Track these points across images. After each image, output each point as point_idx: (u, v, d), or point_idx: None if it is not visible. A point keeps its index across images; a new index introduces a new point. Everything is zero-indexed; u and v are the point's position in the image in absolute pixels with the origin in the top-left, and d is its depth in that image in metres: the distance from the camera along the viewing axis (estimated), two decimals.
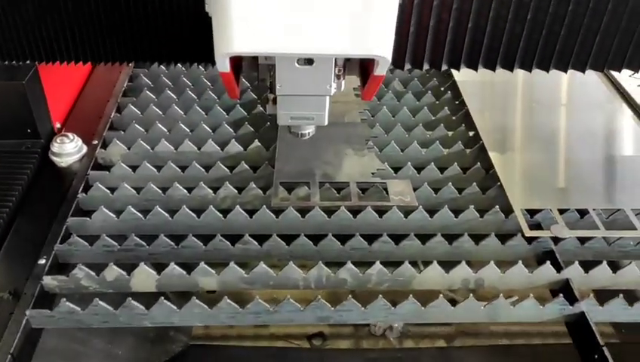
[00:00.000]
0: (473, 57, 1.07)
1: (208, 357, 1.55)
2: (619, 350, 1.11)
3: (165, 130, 1.49)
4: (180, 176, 1.36)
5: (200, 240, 1.20)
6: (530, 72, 1.10)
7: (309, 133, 1.18)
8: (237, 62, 1.02)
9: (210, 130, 1.50)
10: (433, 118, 1.58)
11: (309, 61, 0.97)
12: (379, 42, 0.88)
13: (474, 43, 1.05)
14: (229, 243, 1.20)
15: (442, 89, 1.72)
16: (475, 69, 1.10)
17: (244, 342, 1.66)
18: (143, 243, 1.18)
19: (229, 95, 1.05)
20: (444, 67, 1.11)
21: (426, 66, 1.11)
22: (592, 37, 1.05)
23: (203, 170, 1.37)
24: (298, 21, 0.85)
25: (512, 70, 1.10)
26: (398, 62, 1.08)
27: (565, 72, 1.10)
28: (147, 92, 1.63)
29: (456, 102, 1.66)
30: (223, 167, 1.37)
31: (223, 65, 0.91)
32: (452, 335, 1.88)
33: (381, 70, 0.93)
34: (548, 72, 1.10)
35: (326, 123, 1.09)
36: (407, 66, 1.12)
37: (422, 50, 1.04)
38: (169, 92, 1.63)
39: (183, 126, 1.49)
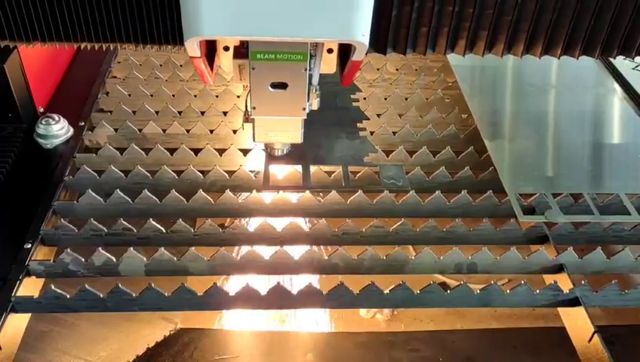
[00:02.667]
0: (458, 42, 1.04)
1: (197, 340, 1.54)
2: (610, 333, 1.11)
3: (153, 111, 1.46)
4: (168, 158, 1.34)
5: (189, 224, 1.18)
6: (521, 57, 1.07)
7: (284, 150, 1.24)
8: (210, 44, 1.00)
9: (200, 112, 1.47)
10: (426, 100, 1.56)
11: (283, 85, 0.99)
12: (356, 27, 0.85)
13: (458, 28, 1.02)
14: (219, 227, 1.17)
15: (435, 70, 1.70)
16: (463, 54, 1.07)
17: (233, 327, 1.65)
18: (132, 227, 1.16)
19: (202, 80, 1.03)
20: (428, 52, 1.08)
21: (409, 52, 1.08)
22: (585, 22, 1.02)
23: (192, 152, 1.34)
24: (272, 4, 0.82)
25: (500, 56, 1.07)
26: (379, 47, 1.05)
27: (558, 57, 1.07)
28: (135, 72, 1.59)
29: (450, 85, 1.63)
30: (212, 149, 1.34)
31: (193, 50, 0.88)
32: (442, 317, 1.88)
33: (359, 55, 0.91)
34: (540, 58, 1.08)
35: (301, 140, 1.14)
36: (390, 51, 1.09)
37: (404, 34, 1.01)
38: (157, 72, 1.60)
39: (171, 107, 1.46)
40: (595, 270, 1.18)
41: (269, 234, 1.19)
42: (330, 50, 1.02)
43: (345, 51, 0.99)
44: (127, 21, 0.96)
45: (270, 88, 1.00)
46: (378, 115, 1.50)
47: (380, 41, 0.97)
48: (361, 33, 0.86)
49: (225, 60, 1.03)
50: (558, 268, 1.17)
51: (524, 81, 1.63)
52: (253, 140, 1.15)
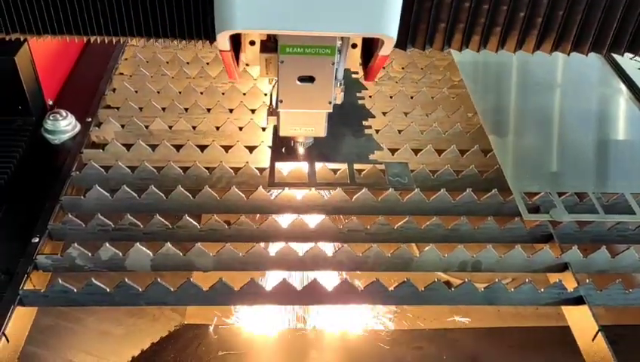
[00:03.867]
0: (472, 38, 1.05)
1: (202, 336, 1.54)
2: (614, 333, 1.11)
3: (160, 108, 1.47)
4: (174, 155, 1.34)
5: (195, 220, 1.19)
6: (532, 53, 1.08)
7: (307, 143, 1.24)
8: (236, 41, 1.00)
9: (206, 109, 1.48)
10: (432, 99, 1.57)
11: (310, 79, 1.00)
12: (385, 21, 0.86)
13: (474, 24, 1.02)
14: (224, 223, 1.18)
15: (441, 69, 1.70)
16: (477, 50, 1.08)
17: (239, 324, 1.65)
18: (138, 222, 1.17)
19: (229, 76, 1.04)
20: (445, 48, 1.09)
21: (427, 48, 1.08)
22: (594, 19, 1.02)
23: (198, 149, 1.35)
24: None
25: (513, 52, 1.08)
26: (400, 43, 1.06)
27: (568, 54, 1.07)
28: (142, 69, 1.60)
29: (455, 83, 1.64)
30: (218, 146, 1.35)
31: (224, 44, 0.90)
32: (446, 315, 1.88)
33: (386, 50, 0.92)
34: (550, 53, 1.08)
35: (324, 134, 1.14)
36: (409, 47, 1.09)
37: (424, 30, 1.02)
38: (164, 69, 1.61)
39: (177, 104, 1.47)
40: (599, 269, 1.19)
41: (275, 230, 1.20)
42: (354, 45, 1.04)
43: (368, 47, 1.01)
44: (157, 16, 0.99)
45: (297, 82, 1.01)
46: (384, 113, 1.50)
47: (400, 37, 0.97)
48: (390, 27, 0.87)
49: (250, 55, 1.04)
50: (563, 267, 1.17)
51: (530, 79, 1.63)
52: (278, 134, 1.16)
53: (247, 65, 1.53)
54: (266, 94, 1.53)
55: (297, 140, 1.25)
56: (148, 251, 1.11)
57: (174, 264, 1.12)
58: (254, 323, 1.54)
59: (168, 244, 1.11)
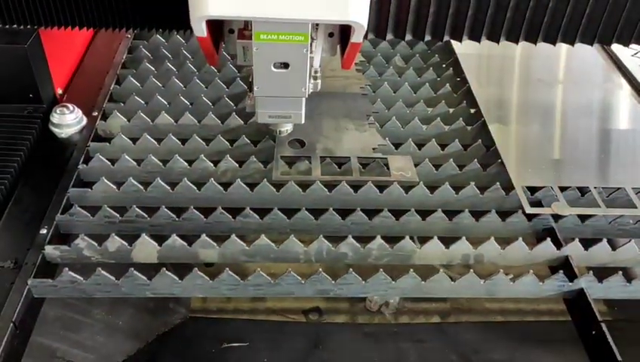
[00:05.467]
0: (457, 28, 1.05)
1: (206, 329, 1.56)
2: (614, 327, 1.13)
3: (165, 102, 1.48)
4: (180, 148, 1.35)
5: (200, 213, 1.20)
6: (517, 43, 1.08)
7: (286, 130, 1.26)
8: (216, 27, 1.03)
9: (211, 103, 1.49)
10: (434, 95, 1.58)
11: (285, 65, 1.02)
12: (354, 8, 0.89)
13: (458, 13, 1.03)
14: (229, 216, 1.19)
15: (444, 65, 1.71)
16: (459, 40, 1.08)
17: (241, 316, 1.67)
18: (144, 214, 1.18)
19: (208, 62, 1.07)
20: (426, 37, 1.10)
21: (408, 37, 1.09)
22: (582, 10, 1.03)
23: (203, 143, 1.36)
24: None
25: (497, 42, 1.09)
26: (379, 32, 1.07)
27: (554, 44, 1.08)
28: (147, 64, 1.61)
29: (458, 79, 1.65)
30: (223, 140, 1.36)
31: (200, 30, 0.93)
32: (447, 311, 1.90)
33: (357, 37, 0.95)
34: (535, 44, 1.09)
35: (303, 121, 1.15)
36: (390, 36, 1.10)
37: (404, 19, 1.03)
38: (169, 64, 1.62)
39: (183, 99, 1.48)
40: (600, 262, 1.20)
41: (279, 223, 1.21)
42: (331, 34, 1.06)
43: (347, 36, 1.02)
44: (142, 6, 0.99)
45: (272, 68, 1.03)
46: (387, 108, 1.51)
47: (380, 26, 0.99)
48: (359, 14, 0.90)
49: (230, 43, 1.07)
50: (564, 260, 1.19)
51: (532, 74, 1.64)
52: (256, 120, 1.17)
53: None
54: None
55: (275, 128, 1.27)
56: (154, 242, 1.12)
57: (180, 255, 1.14)
58: (260, 315, 1.56)
59: (175, 236, 1.12)
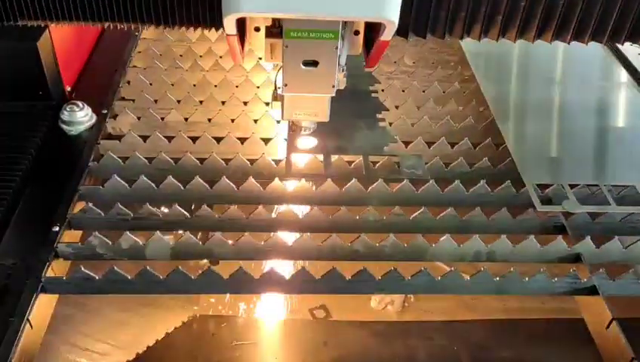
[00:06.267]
0: (474, 27, 1.05)
1: (215, 326, 1.56)
2: (626, 324, 1.13)
3: (175, 100, 1.48)
4: (191, 146, 1.36)
5: (214, 210, 1.20)
6: (532, 42, 1.08)
7: (311, 128, 1.24)
8: (241, 28, 1.02)
9: (221, 102, 1.49)
10: (444, 93, 1.58)
11: (314, 63, 1.01)
12: (387, 5, 0.88)
13: (475, 11, 1.03)
14: (242, 213, 1.19)
15: (452, 64, 1.72)
16: (478, 39, 1.08)
17: (249, 314, 1.67)
18: (157, 211, 1.18)
19: (233, 59, 1.05)
20: (446, 37, 1.10)
21: (428, 36, 1.09)
22: (595, 7, 1.02)
23: (214, 141, 1.36)
24: None
25: (514, 41, 1.09)
26: (401, 31, 1.07)
27: (568, 43, 1.08)
28: (156, 62, 1.62)
29: (467, 77, 1.65)
30: (234, 138, 1.36)
31: (231, 28, 0.92)
32: (453, 309, 1.90)
33: (387, 35, 0.94)
34: (550, 42, 1.08)
35: (327, 119, 1.14)
36: (411, 36, 1.10)
37: (425, 18, 1.03)
38: (178, 62, 1.62)
39: (192, 96, 1.49)
40: (611, 260, 1.20)
41: (292, 221, 1.21)
42: (356, 32, 1.05)
43: (370, 34, 1.02)
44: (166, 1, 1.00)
45: (302, 66, 1.02)
46: (396, 107, 1.52)
47: (402, 25, 0.98)
48: (392, 12, 0.89)
49: (255, 41, 1.06)
50: (575, 258, 1.19)
51: (541, 71, 1.65)
52: (282, 118, 1.17)
53: (260, 58, 1.56)
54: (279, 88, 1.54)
55: (301, 125, 1.26)
56: (168, 239, 1.12)
57: (194, 252, 1.14)
58: (268, 314, 1.56)
59: (188, 233, 1.12)
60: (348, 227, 1.22)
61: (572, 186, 1.28)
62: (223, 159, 1.32)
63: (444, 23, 1.01)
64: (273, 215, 1.21)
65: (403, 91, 1.58)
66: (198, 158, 1.32)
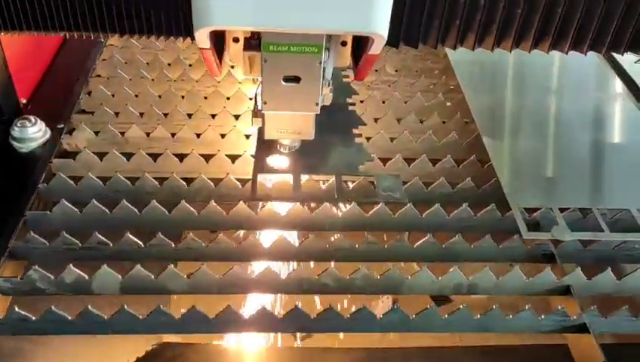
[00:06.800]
0: (469, 36, 0.96)
1: (182, 356, 1.45)
2: (618, 354, 1.04)
3: (137, 113, 1.38)
4: (151, 165, 1.25)
5: (172, 236, 1.10)
6: (529, 52, 0.99)
7: (294, 146, 1.17)
8: (219, 37, 0.94)
9: (187, 115, 1.39)
10: (426, 105, 1.48)
11: (296, 79, 0.94)
12: (375, 18, 0.81)
13: (470, 21, 0.95)
14: (202, 242, 1.09)
15: (437, 72, 1.62)
16: (472, 48, 1.00)
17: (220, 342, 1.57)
18: (107, 241, 1.08)
19: (211, 73, 0.98)
20: (439, 46, 1.01)
21: (420, 46, 1.00)
22: (593, 17, 0.94)
23: (176, 159, 1.26)
24: None
25: (510, 50, 1.00)
26: (392, 40, 0.97)
27: (566, 53, 0.99)
28: (120, 71, 1.51)
29: (452, 87, 1.55)
30: (198, 156, 1.26)
31: (203, 41, 0.84)
32: (440, 334, 1.80)
33: (376, 49, 0.87)
34: (547, 52, 0.99)
35: (312, 137, 1.09)
36: (402, 45, 1.01)
37: (417, 27, 0.94)
38: (143, 72, 1.52)
39: (156, 110, 1.38)
40: (604, 292, 1.10)
41: (255, 249, 1.11)
42: (344, 43, 0.97)
43: (358, 44, 0.95)
44: (133, 10, 0.91)
45: (282, 82, 0.95)
46: (375, 120, 1.41)
47: (392, 35, 0.89)
48: (381, 25, 0.82)
49: (234, 52, 0.97)
50: (565, 290, 1.09)
51: (529, 80, 1.54)
52: (264, 137, 1.10)
53: (232, 67, 1.46)
54: (251, 99, 1.44)
55: (283, 143, 1.18)
56: (116, 273, 1.02)
57: (146, 287, 1.04)
58: (238, 341, 1.45)
59: (138, 266, 1.02)
60: (317, 255, 1.12)
61: (562, 210, 1.17)
62: (185, 179, 1.21)
63: (437, 32, 0.93)
64: (236, 243, 1.11)
65: (383, 103, 1.48)
66: (158, 178, 1.22)
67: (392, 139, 1.36)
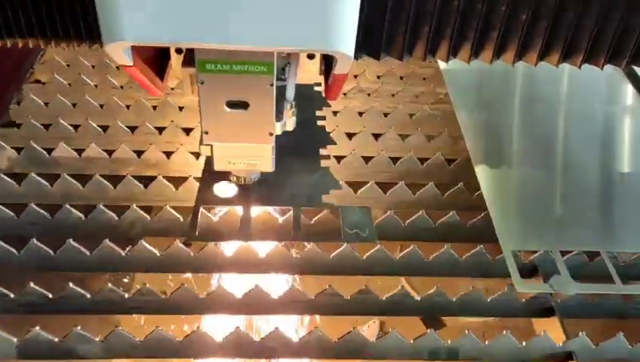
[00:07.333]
0: (463, 46, 0.78)
1: None
2: None
3: (71, 128, 1.19)
4: (78, 192, 1.07)
5: (89, 286, 0.91)
6: (535, 65, 0.80)
7: (252, 178, 0.98)
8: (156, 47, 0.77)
9: (128, 130, 1.19)
10: (410, 118, 1.28)
11: (242, 105, 0.78)
12: (336, 34, 0.63)
13: (463, 28, 0.76)
14: (122, 292, 0.90)
15: (425, 79, 1.42)
16: (467, 60, 0.81)
17: None
18: (8, 292, 0.89)
19: (149, 92, 0.81)
20: (428, 58, 0.82)
21: (406, 57, 0.82)
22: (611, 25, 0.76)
23: (110, 184, 1.07)
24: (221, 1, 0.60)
25: (512, 63, 0.82)
26: (373, 50, 0.79)
27: (579, 67, 0.80)
28: (57, 76, 1.32)
29: (441, 98, 1.35)
30: (133, 180, 1.07)
31: (120, 57, 0.66)
32: None
33: (342, 68, 0.70)
34: (557, 66, 0.81)
35: (272, 169, 0.92)
36: (384, 56, 0.83)
37: (402, 37, 0.76)
38: (85, 77, 1.32)
39: (92, 124, 1.19)
40: (614, 358, 0.90)
41: (187, 301, 0.92)
42: (311, 56, 0.82)
43: (329, 56, 0.77)
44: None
45: (226, 108, 0.78)
46: (349, 137, 1.21)
47: (373, 44, 0.74)
48: (343, 41, 0.64)
49: (176, 66, 0.81)
50: (567, 356, 0.89)
51: (531, 94, 1.33)
52: (214, 168, 0.91)
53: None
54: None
55: (238, 176, 0.98)
56: (11, 337, 0.83)
57: (48, 350, 0.85)
58: None
59: (37, 329, 0.83)
60: (263, 309, 0.93)
61: (564, 253, 0.97)
62: (114, 209, 1.02)
63: (426, 41, 0.77)
64: (163, 294, 0.91)
65: (360, 115, 1.28)
66: (85, 205, 1.03)
67: (366, 161, 1.16)
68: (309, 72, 0.86)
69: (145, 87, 0.78)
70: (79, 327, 0.84)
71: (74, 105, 1.25)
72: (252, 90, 0.77)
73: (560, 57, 0.79)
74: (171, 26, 0.61)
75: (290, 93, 0.84)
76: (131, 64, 0.68)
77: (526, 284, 0.93)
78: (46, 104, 1.25)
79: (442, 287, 0.95)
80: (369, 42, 0.74)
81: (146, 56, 0.74)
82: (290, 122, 0.87)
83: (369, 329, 1.27)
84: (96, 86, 1.32)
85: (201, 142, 0.90)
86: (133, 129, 1.20)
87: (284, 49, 0.71)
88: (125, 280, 1.23)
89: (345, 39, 0.64)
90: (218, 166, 0.91)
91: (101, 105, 1.26)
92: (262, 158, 0.90)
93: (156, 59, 0.80)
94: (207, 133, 0.82)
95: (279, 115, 0.84)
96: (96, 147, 1.13)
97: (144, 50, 0.71)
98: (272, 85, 0.76)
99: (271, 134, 0.83)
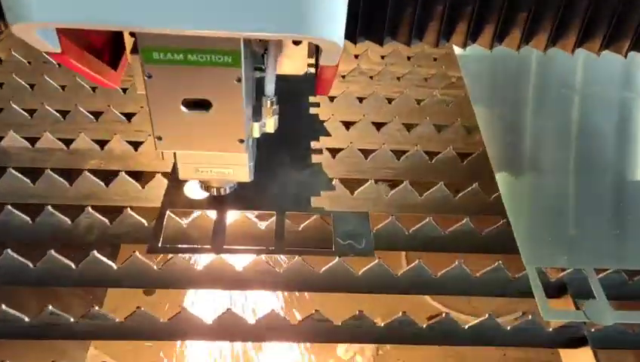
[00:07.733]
0: (485, 29, 0.69)
1: None
2: None
3: (26, 114, 1.03)
4: (26, 188, 0.91)
5: (31, 308, 0.76)
6: (544, 52, 0.70)
7: (226, 188, 0.84)
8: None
9: (92, 117, 1.04)
10: (417, 106, 1.12)
11: (203, 104, 0.64)
12: (318, 16, 0.51)
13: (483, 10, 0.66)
14: (69, 317, 0.75)
15: (435, 59, 1.25)
16: (489, 46, 0.69)
17: None
18: None
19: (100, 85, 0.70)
20: (442, 43, 0.73)
21: (387, 41, 0.70)
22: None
23: (65, 182, 0.91)
24: None
25: (544, 50, 0.70)
26: (374, 36, 0.71)
27: (597, 53, 0.70)
28: (15, 54, 1.17)
29: (453, 82, 1.19)
30: (92, 177, 0.91)
31: (37, 41, 0.52)
32: (436, 359, 1.50)
33: (329, 59, 0.59)
34: (572, 52, 0.71)
35: (249, 179, 0.78)
36: (361, 40, 0.70)
37: (409, 17, 0.68)
38: (47, 55, 1.16)
39: (50, 109, 1.03)
40: None
41: (150, 325, 0.77)
42: (296, 42, 0.68)
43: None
44: None
45: (183, 108, 0.64)
46: (346, 126, 1.05)
47: (375, 26, 0.66)
48: (329, 27, 0.52)
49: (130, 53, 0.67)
50: None
51: (557, 82, 1.16)
52: (179, 177, 0.78)
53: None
54: None
55: (211, 185, 0.83)
56: None
57: None
58: None
59: None
60: (240, 334, 0.78)
61: (599, 271, 0.81)
62: (67, 211, 0.87)
63: (439, 23, 0.68)
64: (121, 317, 0.76)
65: (360, 102, 1.11)
66: (35, 205, 0.88)
67: (365, 155, 0.99)
68: (298, 61, 0.71)
69: (91, 79, 0.65)
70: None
71: (31, 86, 1.10)
72: (214, 87, 0.63)
73: (602, 44, 0.70)
74: (93, 2, 0.47)
75: (270, 88, 0.69)
76: (58, 51, 0.54)
77: (554, 311, 0.77)
78: (0, 85, 1.10)
79: (452, 310, 0.79)
80: (370, 24, 0.64)
81: (85, 40, 0.58)
82: (270, 122, 0.72)
83: None
84: (59, 65, 1.16)
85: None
86: (97, 115, 1.04)
87: (252, 35, 0.55)
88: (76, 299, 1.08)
89: (331, 23, 0.52)
90: (183, 174, 0.77)
91: (62, 87, 1.10)
92: (236, 167, 0.76)
93: (105, 44, 0.65)
94: (159, 138, 0.68)
95: (257, 115, 0.69)
96: (51, 136, 0.98)
97: (80, 34, 0.55)
98: (239, 80, 0.62)
99: (242, 141, 0.68)
